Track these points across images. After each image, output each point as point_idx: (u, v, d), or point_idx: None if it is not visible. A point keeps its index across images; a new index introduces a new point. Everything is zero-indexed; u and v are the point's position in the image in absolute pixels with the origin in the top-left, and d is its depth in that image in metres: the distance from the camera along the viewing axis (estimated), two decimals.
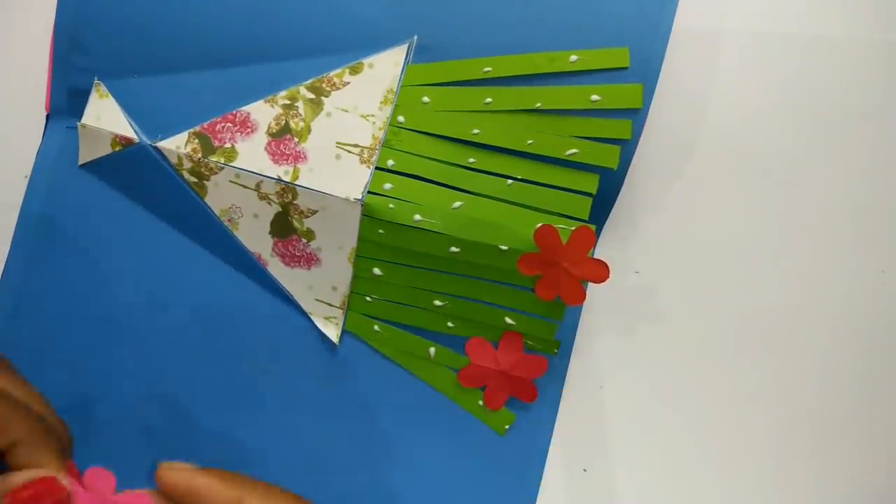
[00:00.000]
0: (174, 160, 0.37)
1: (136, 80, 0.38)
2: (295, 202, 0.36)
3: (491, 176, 0.36)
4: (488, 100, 0.36)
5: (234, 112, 0.37)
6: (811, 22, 0.39)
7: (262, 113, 0.37)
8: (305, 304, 0.38)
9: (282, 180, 0.36)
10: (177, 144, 0.37)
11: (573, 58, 0.35)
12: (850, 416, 0.39)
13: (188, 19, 0.37)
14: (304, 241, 0.37)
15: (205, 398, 0.39)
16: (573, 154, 0.35)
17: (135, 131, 0.37)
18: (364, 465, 0.39)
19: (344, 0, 0.37)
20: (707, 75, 0.39)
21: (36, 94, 0.39)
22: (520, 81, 0.36)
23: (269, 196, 0.37)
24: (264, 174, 0.36)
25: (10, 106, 0.40)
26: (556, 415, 0.39)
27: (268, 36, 0.37)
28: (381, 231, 0.36)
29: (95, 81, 0.38)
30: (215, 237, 0.38)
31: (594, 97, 0.35)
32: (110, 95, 0.38)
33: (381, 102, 0.36)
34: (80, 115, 0.38)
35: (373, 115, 0.36)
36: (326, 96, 0.37)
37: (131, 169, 0.38)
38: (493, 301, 0.37)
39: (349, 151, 0.36)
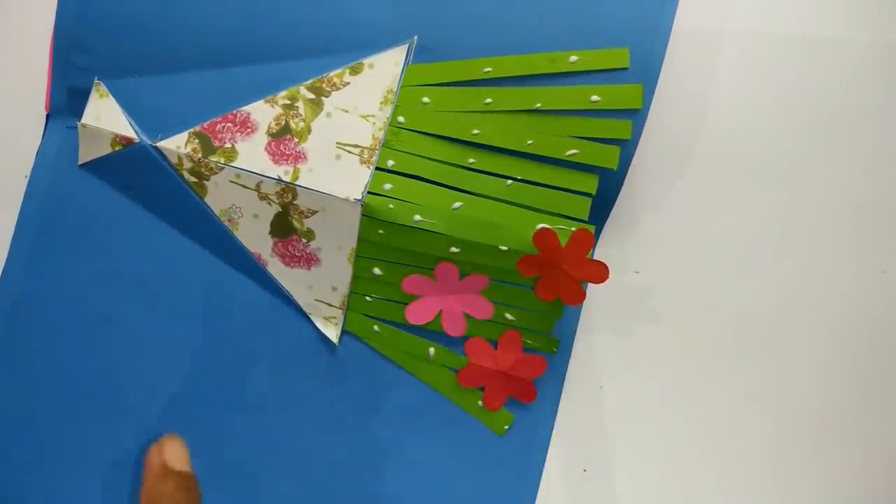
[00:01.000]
0: (174, 160, 0.37)
1: (137, 79, 0.38)
2: (295, 202, 0.36)
3: (491, 176, 0.36)
4: (488, 100, 0.36)
5: (235, 112, 0.37)
6: (811, 22, 0.39)
7: (263, 113, 0.37)
8: (305, 305, 0.38)
9: (282, 180, 0.36)
10: (177, 144, 0.37)
11: (573, 58, 0.35)
12: (850, 416, 0.39)
13: (189, 19, 0.37)
14: (304, 241, 0.37)
15: (204, 397, 0.39)
16: (573, 154, 0.35)
17: (135, 131, 0.37)
18: (363, 465, 0.39)
19: (344, 0, 0.37)
20: (707, 75, 0.39)
21: (36, 94, 0.39)
22: (520, 82, 0.36)
23: (269, 196, 0.37)
24: (264, 174, 0.36)
25: (10, 106, 0.40)
26: (555, 415, 0.39)
27: (268, 36, 0.37)
28: (381, 231, 0.36)
29: (95, 81, 0.38)
30: (215, 237, 0.38)
31: (594, 98, 0.35)
32: (110, 95, 0.38)
33: (382, 103, 0.36)
34: (80, 114, 0.38)
35: (373, 116, 0.36)
36: (326, 96, 0.37)
37: (131, 169, 0.38)
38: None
39: (349, 152, 0.36)
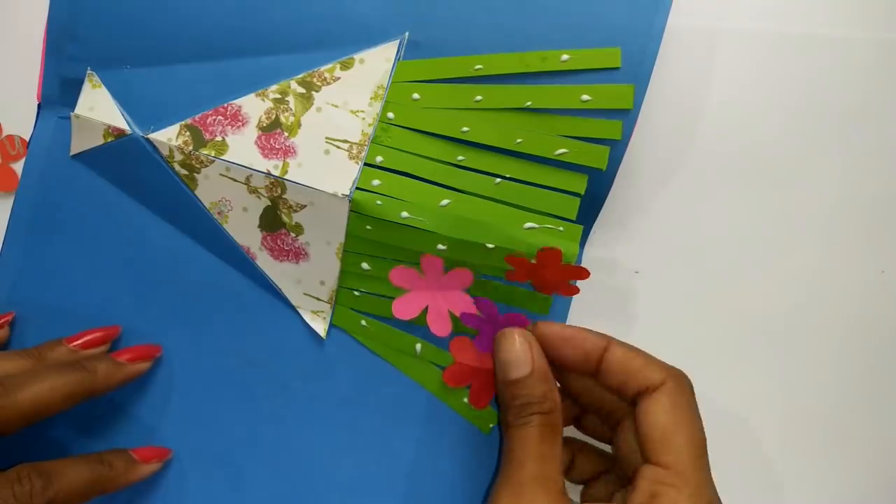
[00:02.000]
0: (165, 152, 0.37)
1: (129, 71, 0.38)
2: (284, 196, 0.36)
3: (480, 174, 0.36)
4: (478, 98, 0.36)
5: (226, 105, 0.37)
6: (809, 21, 0.38)
7: (253, 106, 0.37)
8: (293, 298, 0.38)
9: (271, 174, 0.36)
10: (168, 137, 0.37)
11: (564, 57, 0.35)
12: (850, 416, 0.39)
13: (182, 11, 0.37)
14: (293, 235, 0.37)
15: (192, 388, 0.39)
16: (562, 154, 0.35)
17: (127, 122, 0.37)
18: (349, 458, 0.39)
19: None
20: (703, 74, 0.39)
21: (30, 84, 0.39)
22: (510, 80, 0.36)
23: (259, 190, 0.37)
24: (254, 168, 0.36)
25: (2, 96, 0.40)
26: None
27: (261, 29, 0.37)
28: (368, 227, 0.36)
29: (88, 71, 0.38)
30: (205, 230, 0.38)
31: (585, 97, 0.35)
32: (103, 85, 0.38)
33: (372, 98, 0.36)
34: (71, 104, 0.38)
35: (362, 111, 0.36)
36: (317, 91, 0.37)
37: (123, 160, 0.38)
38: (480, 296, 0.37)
39: (338, 147, 0.36)
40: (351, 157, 0.36)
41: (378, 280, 0.37)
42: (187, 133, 0.37)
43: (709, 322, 0.39)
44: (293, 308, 0.39)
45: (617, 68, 0.35)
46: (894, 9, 0.38)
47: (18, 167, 0.39)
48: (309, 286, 0.38)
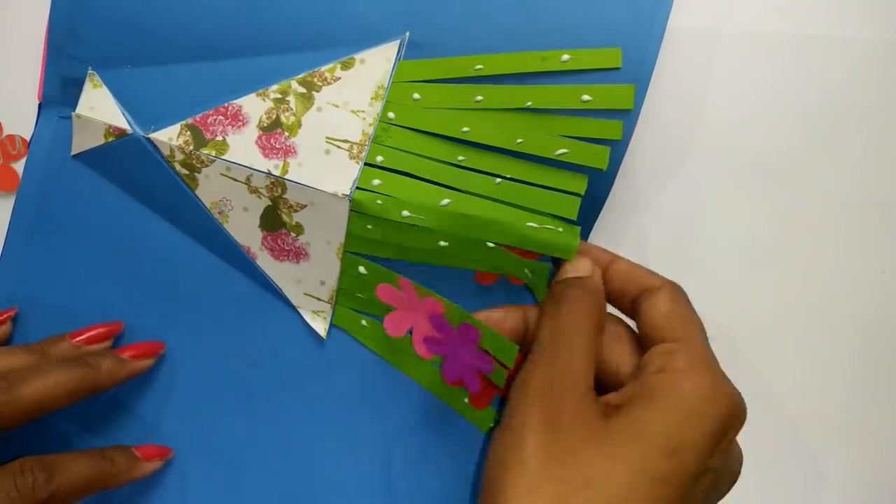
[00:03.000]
0: (166, 152, 0.37)
1: (130, 70, 0.38)
2: (284, 196, 0.36)
3: (480, 174, 0.36)
4: (479, 98, 0.36)
5: (226, 105, 0.37)
6: (810, 21, 0.38)
7: (254, 106, 0.37)
8: (294, 298, 0.38)
9: (271, 174, 0.36)
10: (169, 136, 0.37)
11: (565, 57, 0.35)
12: (849, 416, 0.39)
13: (183, 11, 0.37)
14: (293, 235, 0.37)
15: (193, 387, 0.39)
16: (563, 154, 0.35)
17: (128, 122, 0.37)
18: (349, 458, 0.39)
19: None
20: (704, 74, 0.39)
21: (30, 84, 0.39)
22: (511, 80, 0.36)
23: (259, 190, 0.37)
24: (254, 168, 0.36)
25: (3, 95, 0.40)
26: None
27: (261, 29, 0.37)
28: (369, 227, 0.36)
29: (90, 71, 0.38)
30: (205, 230, 0.38)
31: (585, 97, 0.35)
32: (104, 85, 0.38)
33: (372, 98, 0.36)
34: (72, 104, 0.38)
35: (363, 111, 0.36)
36: (317, 91, 0.37)
37: (124, 160, 0.38)
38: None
39: (339, 147, 0.36)
40: (351, 157, 0.36)
41: (375, 284, 0.37)
42: (188, 133, 0.37)
43: (708, 322, 0.39)
44: (294, 308, 0.39)
45: (618, 68, 0.35)
46: (894, 9, 0.38)
47: (19, 167, 0.39)
48: (309, 286, 0.38)
